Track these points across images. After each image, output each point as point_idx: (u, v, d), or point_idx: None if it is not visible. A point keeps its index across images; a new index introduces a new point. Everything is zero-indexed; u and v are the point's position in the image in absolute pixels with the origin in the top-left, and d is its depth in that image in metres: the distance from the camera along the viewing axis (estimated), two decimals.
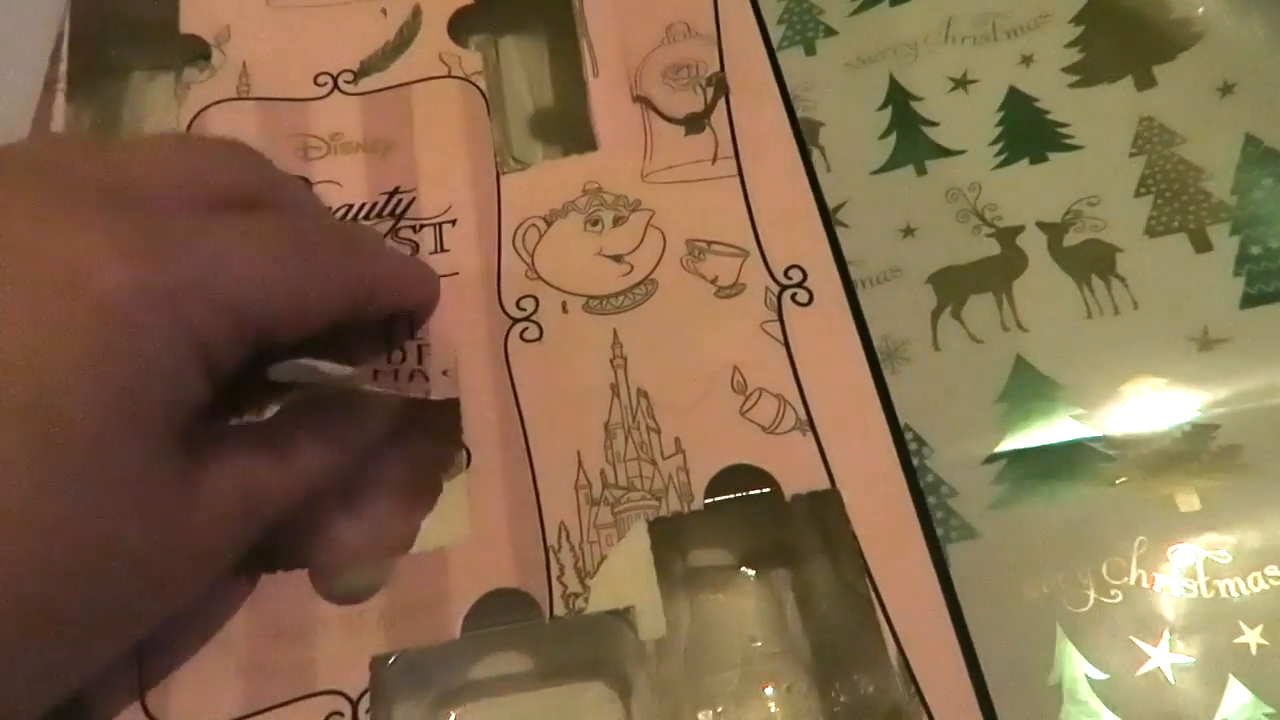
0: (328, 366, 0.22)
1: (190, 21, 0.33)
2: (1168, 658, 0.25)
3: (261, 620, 0.24)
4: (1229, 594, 0.26)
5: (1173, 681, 0.25)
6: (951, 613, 0.23)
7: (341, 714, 0.23)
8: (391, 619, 0.24)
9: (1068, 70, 0.34)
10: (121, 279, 0.18)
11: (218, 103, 0.31)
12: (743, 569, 0.27)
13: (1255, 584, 0.26)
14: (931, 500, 0.27)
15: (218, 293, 0.20)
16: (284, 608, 0.24)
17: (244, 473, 0.23)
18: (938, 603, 0.23)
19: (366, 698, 0.23)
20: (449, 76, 0.31)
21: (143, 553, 0.20)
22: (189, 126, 0.31)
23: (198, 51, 0.33)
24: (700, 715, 0.25)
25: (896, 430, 0.25)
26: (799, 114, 0.34)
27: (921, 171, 0.33)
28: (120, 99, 0.34)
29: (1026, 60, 0.34)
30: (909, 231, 0.32)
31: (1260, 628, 0.25)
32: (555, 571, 0.24)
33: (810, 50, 0.36)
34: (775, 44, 0.35)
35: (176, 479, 0.21)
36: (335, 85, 0.31)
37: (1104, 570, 0.27)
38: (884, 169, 0.34)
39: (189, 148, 0.24)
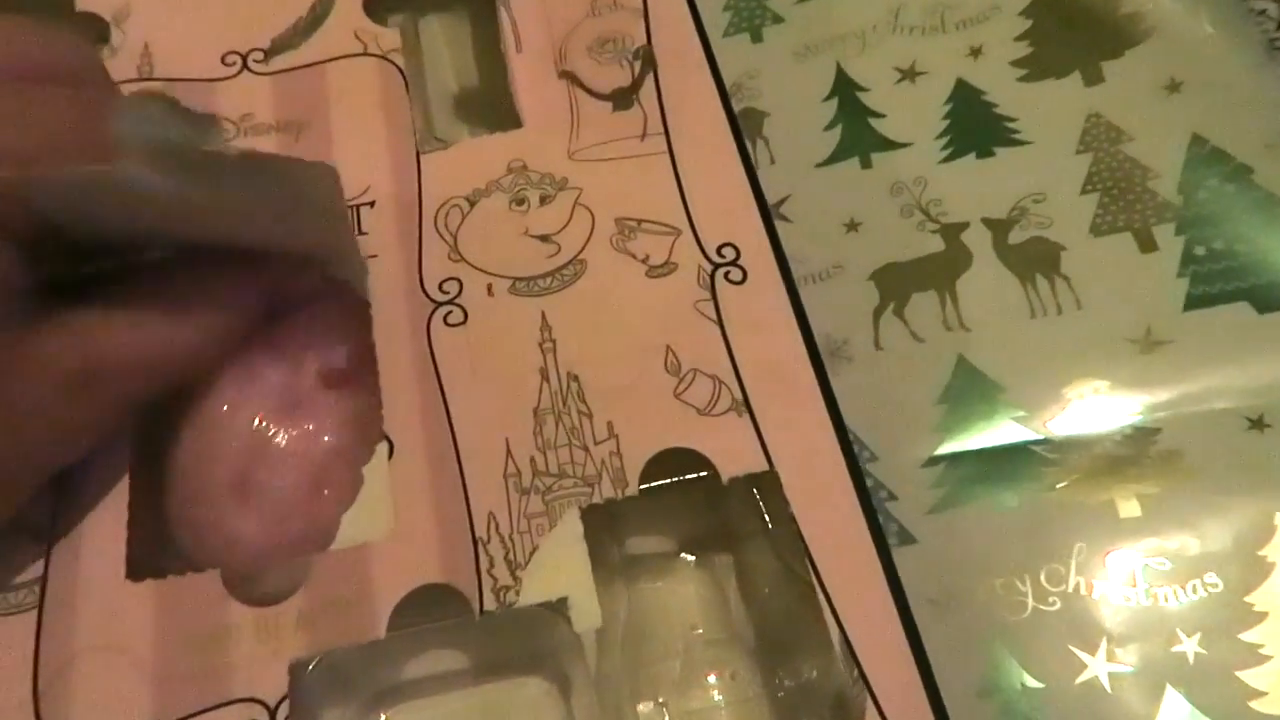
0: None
1: None
2: (1105, 667, 0.27)
3: (170, 625, 0.24)
4: (1167, 602, 0.27)
5: (1110, 691, 0.26)
6: (894, 595, 0.23)
7: None
8: (312, 620, 0.24)
9: (1016, 64, 0.36)
10: None
11: (118, 84, 0.31)
12: (682, 555, 0.28)
13: (1194, 592, 0.27)
14: None
15: None
16: (194, 611, 0.24)
17: (82, 338, 0.24)
18: (880, 585, 0.23)
19: (286, 704, 0.23)
20: (365, 54, 0.32)
21: None
22: None
23: (96, 31, 0.33)
24: (642, 706, 0.25)
25: (834, 409, 0.25)
26: (744, 103, 0.36)
27: (867, 165, 0.35)
28: None
29: (975, 52, 0.36)
30: (853, 226, 0.34)
31: (1198, 636, 0.27)
32: (485, 564, 0.24)
33: (757, 37, 0.38)
34: (721, 30, 0.37)
35: None
36: (245, 65, 0.32)
37: (1042, 577, 0.28)
38: (829, 161, 0.35)
39: None
